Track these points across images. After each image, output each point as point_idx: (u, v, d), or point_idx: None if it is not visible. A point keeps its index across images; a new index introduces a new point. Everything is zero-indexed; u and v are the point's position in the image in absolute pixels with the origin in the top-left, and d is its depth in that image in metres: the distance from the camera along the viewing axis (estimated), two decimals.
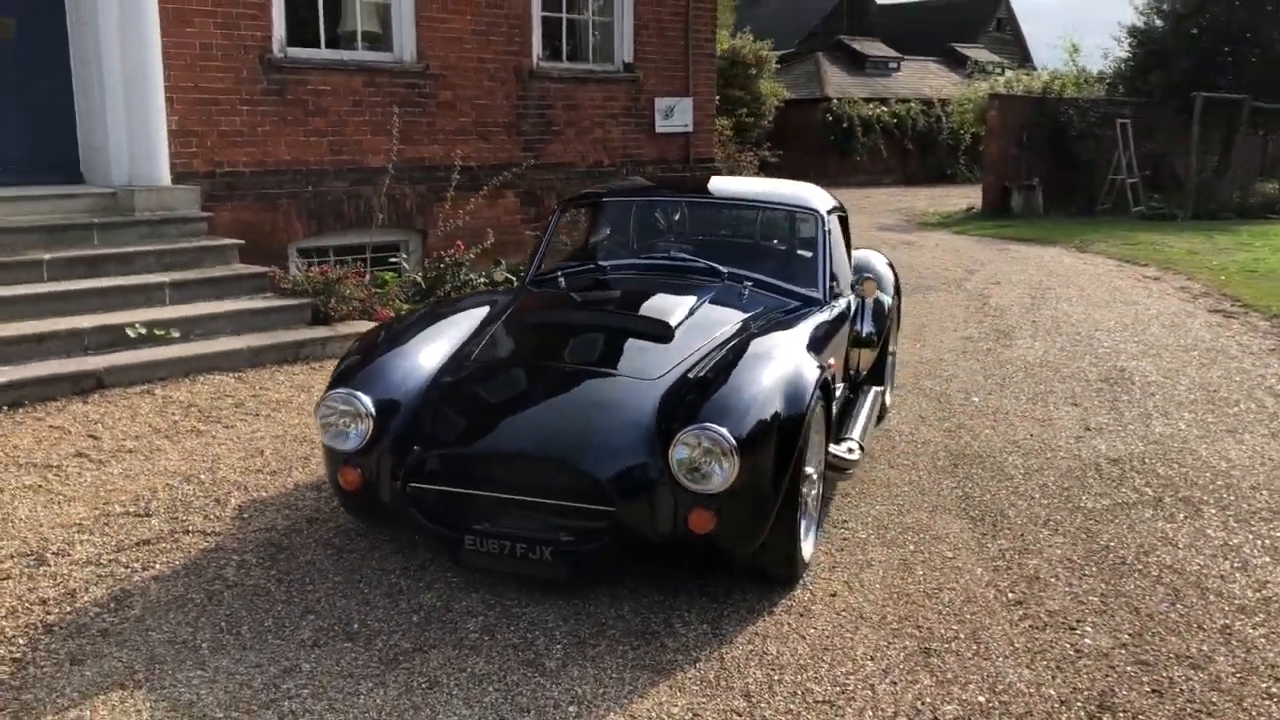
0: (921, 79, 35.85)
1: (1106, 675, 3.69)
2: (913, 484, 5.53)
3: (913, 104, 33.14)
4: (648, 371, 4.20)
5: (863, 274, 5.51)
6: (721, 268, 5.32)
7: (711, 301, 4.96)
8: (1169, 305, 10.80)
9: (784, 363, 4.15)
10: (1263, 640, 3.96)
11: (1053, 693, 3.57)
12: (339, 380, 4.18)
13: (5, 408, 6.05)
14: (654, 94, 11.95)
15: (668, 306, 4.71)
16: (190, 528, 4.61)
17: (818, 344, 4.69)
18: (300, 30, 9.33)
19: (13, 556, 4.31)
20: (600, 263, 5.60)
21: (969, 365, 8.10)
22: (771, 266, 5.53)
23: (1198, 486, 5.56)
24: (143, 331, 6.85)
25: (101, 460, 5.37)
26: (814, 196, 5.77)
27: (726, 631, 3.88)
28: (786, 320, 4.86)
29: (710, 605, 4.07)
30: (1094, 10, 43.64)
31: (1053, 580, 4.45)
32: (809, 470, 4.31)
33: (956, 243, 16.35)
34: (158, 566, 4.26)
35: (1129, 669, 3.75)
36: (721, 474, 3.69)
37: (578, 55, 11.55)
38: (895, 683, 3.60)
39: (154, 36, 8.14)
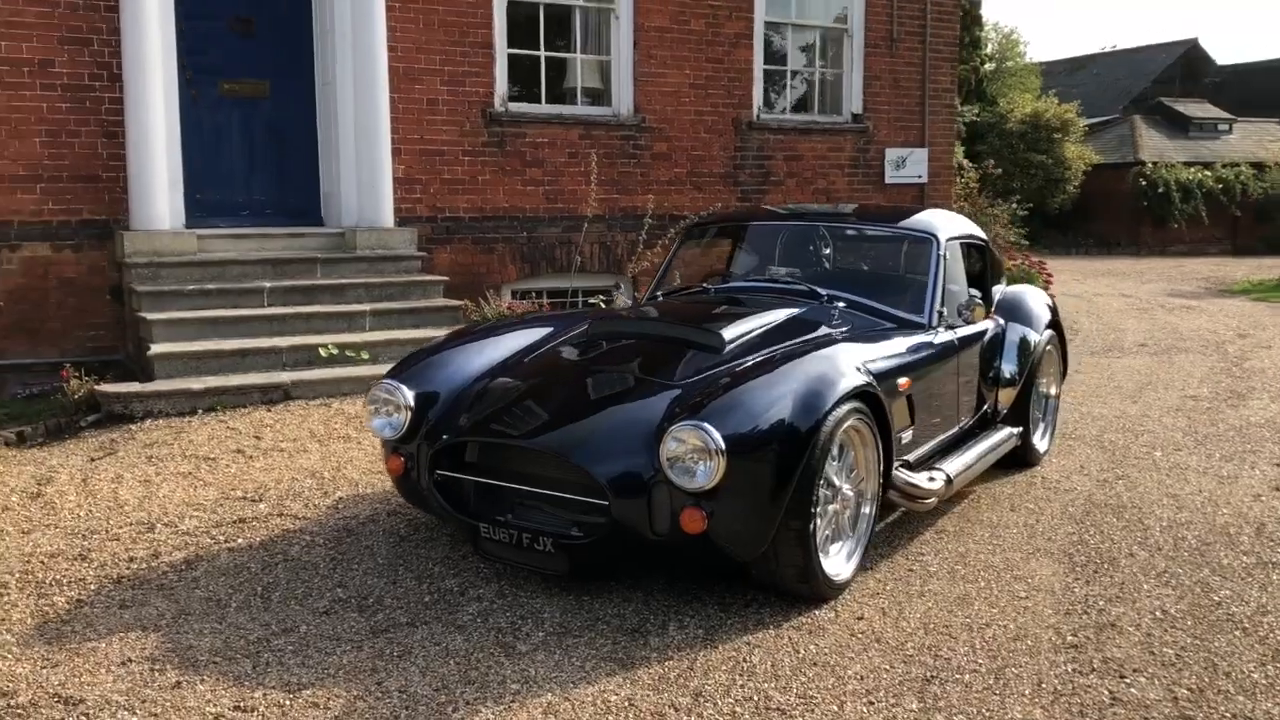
0: (1258, 142, 32.86)
1: None
2: (1026, 527, 5.13)
3: (1243, 168, 30.45)
4: (680, 379, 4.19)
5: (972, 299, 5.21)
6: (821, 290, 5.23)
7: (791, 320, 4.88)
8: None
9: (810, 374, 4.02)
10: None
11: None
12: (391, 373, 4.46)
13: (200, 410, 6.81)
14: (885, 144, 11.77)
15: (731, 322, 4.67)
16: (285, 512, 5.02)
17: (887, 363, 4.50)
18: (521, 86, 9.98)
19: (132, 524, 4.86)
20: (705, 285, 5.64)
21: (1174, 422, 7.37)
22: (878, 290, 5.36)
23: None
24: (334, 352, 7.50)
25: (252, 456, 5.94)
26: (937, 223, 5.54)
27: (719, 637, 3.78)
28: (861, 339, 4.69)
29: (716, 613, 3.97)
30: None
31: (1130, 629, 4.01)
32: (841, 485, 4.13)
33: (1246, 309, 14.84)
34: (239, 541, 4.67)
35: None
36: (705, 472, 3.64)
37: (801, 106, 11.60)
38: (872, 703, 3.38)
39: (383, 95, 8.98)
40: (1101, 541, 4.95)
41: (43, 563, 4.40)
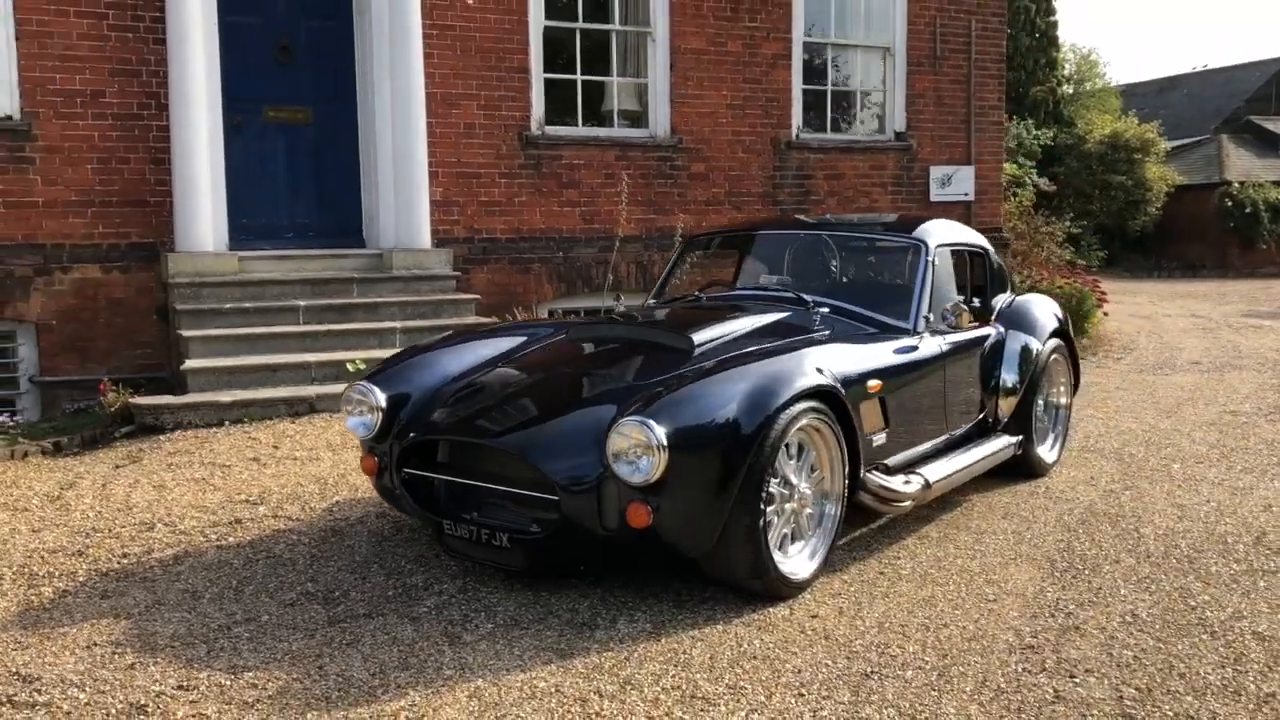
0: None
1: None
2: (1014, 534, 5.07)
3: None
4: (643, 380, 4.26)
5: (958, 305, 5.18)
6: (808, 297, 5.25)
7: (771, 325, 4.93)
8: None
9: (764, 374, 4.07)
10: None
11: None
12: (367, 375, 4.61)
13: (227, 422, 7.06)
14: (929, 162, 11.70)
15: (705, 326, 4.73)
16: (281, 514, 5.19)
17: (856, 366, 4.52)
18: (558, 109, 10.17)
19: (135, 524, 5.07)
20: (698, 294, 5.71)
21: (1204, 436, 7.18)
22: (866, 296, 5.37)
23: None
24: (361, 367, 7.70)
25: (266, 464, 6.14)
26: (930, 230, 5.53)
27: (666, 632, 3.82)
28: (835, 342, 4.71)
29: (669, 609, 4.02)
30: None
31: (1094, 632, 3.96)
32: (800, 484, 4.16)
33: None
34: (230, 539, 4.84)
35: (1089, 719, 3.28)
36: (647, 466, 3.69)
37: (842, 125, 11.60)
38: (802, 695, 3.40)
39: (420, 121, 9.23)
40: (1089, 549, 4.87)
41: (42, 558, 4.62)
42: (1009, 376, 5.73)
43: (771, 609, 4.05)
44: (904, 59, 11.52)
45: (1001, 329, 5.83)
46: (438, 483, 4.33)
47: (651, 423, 3.70)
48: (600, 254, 10.16)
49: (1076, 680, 3.57)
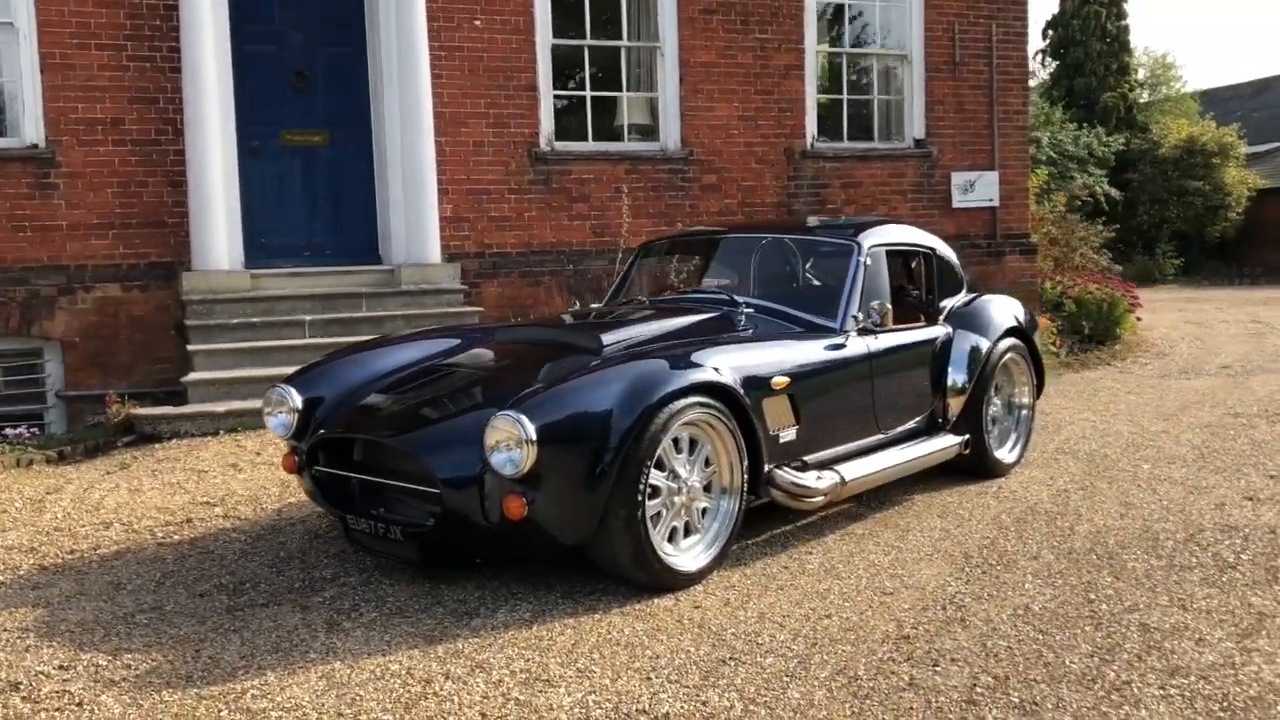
0: None
1: (895, 709, 3.29)
2: (942, 532, 5.07)
3: None
4: (544, 379, 4.38)
5: (883, 304, 5.18)
6: (739, 298, 5.34)
7: (693, 325, 5.02)
8: None
9: (646, 370, 4.17)
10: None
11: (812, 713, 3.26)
12: (287, 378, 4.81)
13: (222, 431, 7.36)
14: (950, 169, 11.60)
15: (622, 328, 4.85)
16: (232, 514, 5.43)
17: (762, 363, 4.59)
18: (568, 124, 10.36)
19: (95, 524, 5.35)
20: (640, 298, 5.81)
21: (1191, 438, 7.03)
22: (798, 296, 5.44)
23: None
24: None
25: (241, 469, 6.40)
26: (870, 232, 5.56)
27: (543, 620, 3.94)
28: (750, 340, 4.79)
29: (557, 599, 4.13)
30: None
31: (979, 624, 3.96)
32: (689, 478, 4.24)
33: None
34: (175, 537, 5.09)
35: (935, 705, 3.31)
36: (517, 459, 3.82)
37: (858, 133, 11.57)
38: (650, 678, 3.48)
39: (429, 140, 9.49)
40: (1013, 545, 4.85)
41: None
42: (957, 376, 5.71)
43: (658, 600, 4.13)
44: (922, 65, 11.46)
45: (950, 329, 5.81)
46: (353, 480, 4.50)
47: (523, 417, 3.82)
48: (610, 266, 10.28)
49: (938, 669, 3.59)
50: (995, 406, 6.06)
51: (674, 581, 4.19)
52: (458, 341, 5.14)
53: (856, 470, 4.91)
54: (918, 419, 5.60)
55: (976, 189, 11.67)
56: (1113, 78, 27.93)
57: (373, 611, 4.02)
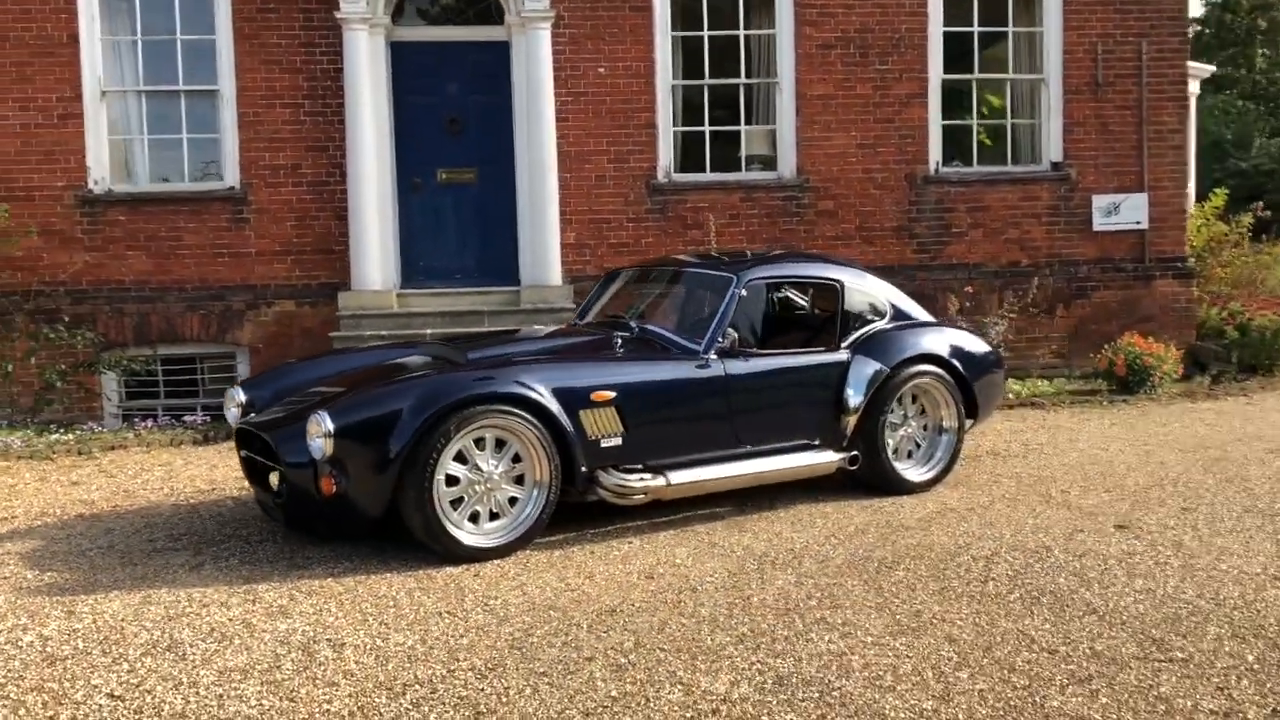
0: None
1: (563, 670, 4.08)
2: (771, 535, 5.62)
3: None
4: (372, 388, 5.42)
5: (728, 331, 5.81)
6: (632, 322, 6.16)
7: (573, 345, 5.94)
8: None
9: (440, 382, 5.15)
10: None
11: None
12: (241, 380, 6.14)
13: None
14: (1091, 191, 11.36)
15: (499, 345, 5.88)
16: (217, 493, 6.81)
17: (588, 378, 5.42)
18: (687, 156, 11.23)
19: (103, 498, 6.90)
20: (576, 321, 6.72)
21: (1180, 474, 6.92)
22: (680, 322, 6.18)
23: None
24: None
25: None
26: (752, 266, 6.21)
27: (338, 579, 4.99)
28: (612, 360, 5.66)
29: (372, 563, 5.20)
30: None
31: (687, 603, 4.58)
32: (492, 471, 5.17)
33: None
34: (147, 515, 6.40)
35: (588, 671, 4.08)
36: (318, 447, 4.91)
37: (987, 157, 11.57)
38: (368, 620, 4.44)
39: (553, 175, 10.75)
40: (828, 553, 5.29)
41: (51, 508, 6.58)
42: (851, 398, 6.17)
43: (450, 569, 5.07)
44: (1060, 88, 11.34)
45: (849, 354, 6.26)
46: (257, 461, 5.70)
47: (325, 414, 4.92)
48: None
49: (609, 636, 4.28)
50: (911, 428, 6.42)
51: (469, 554, 5.12)
52: (398, 354, 6.29)
53: (687, 476, 5.59)
54: (807, 435, 6.12)
55: (1122, 211, 11.37)
56: None
57: (235, 560, 5.25)
